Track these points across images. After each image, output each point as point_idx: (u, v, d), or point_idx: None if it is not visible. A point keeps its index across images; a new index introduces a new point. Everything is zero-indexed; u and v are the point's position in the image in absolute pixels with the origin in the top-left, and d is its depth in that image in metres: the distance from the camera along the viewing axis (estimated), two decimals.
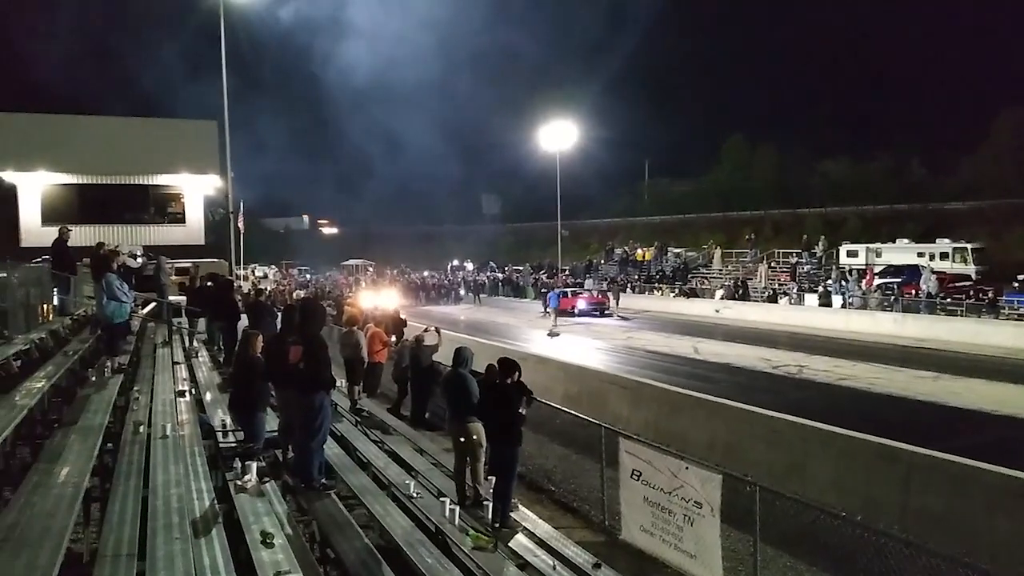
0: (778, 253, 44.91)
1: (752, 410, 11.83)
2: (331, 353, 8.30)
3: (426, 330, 14.21)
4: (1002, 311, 28.45)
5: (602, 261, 55.64)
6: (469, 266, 66.73)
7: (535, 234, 75.26)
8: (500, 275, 57.85)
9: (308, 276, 64.20)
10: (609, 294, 41.60)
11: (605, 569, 7.05)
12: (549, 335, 30.16)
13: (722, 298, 39.08)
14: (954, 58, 64.00)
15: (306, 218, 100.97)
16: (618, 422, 12.32)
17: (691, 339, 27.45)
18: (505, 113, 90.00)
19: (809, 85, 73.64)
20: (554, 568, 6.88)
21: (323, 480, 7.76)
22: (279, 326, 10.43)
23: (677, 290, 43.61)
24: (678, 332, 30.02)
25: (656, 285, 46.04)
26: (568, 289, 42.35)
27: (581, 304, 38.92)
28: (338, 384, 11.96)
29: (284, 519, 6.45)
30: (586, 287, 45.05)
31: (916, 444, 9.20)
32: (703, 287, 43.24)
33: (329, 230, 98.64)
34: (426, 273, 61.24)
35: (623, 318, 37.21)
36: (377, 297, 29.33)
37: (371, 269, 65.59)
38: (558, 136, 50.45)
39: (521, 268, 58.85)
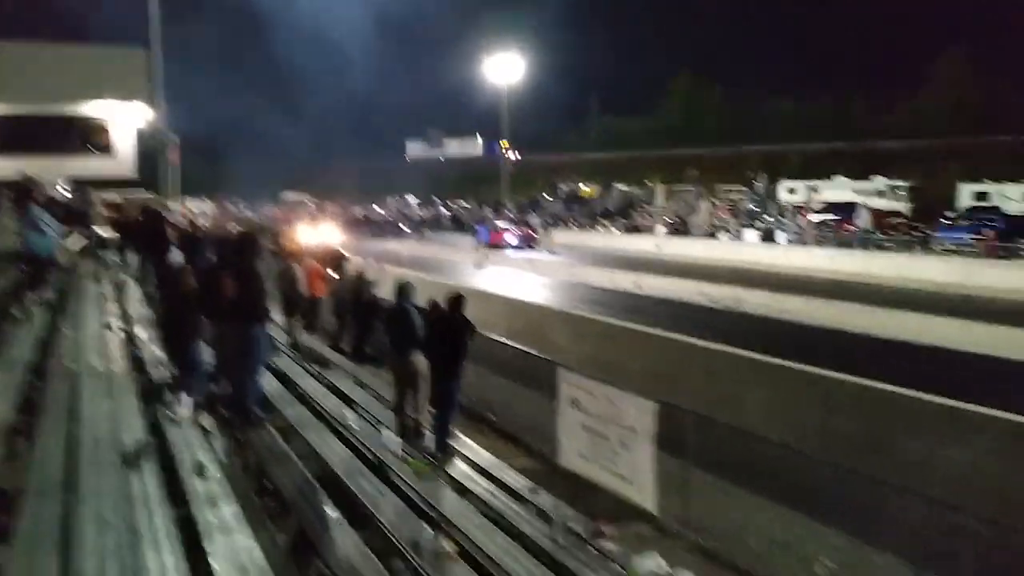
0: (720, 190, 45.49)
1: (690, 341, 12.13)
2: (269, 288, 8.14)
3: (367, 264, 14.05)
4: (933, 248, 29.51)
5: (548, 197, 55.57)
6: (412, 200, 65.91)
7: (481, 170, 74.50)
8: (444, 211, 57.36)
9: (246, 210, 62.54)
10: (540, 228, 42.69)
11: (543, 494, 7.22)
12: (476, 267, 31.24)
13: (664, 234, 39.58)
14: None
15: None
16: (559, 354, 12.49)
17: (633, 274, 27.78)
18: (450, 46, 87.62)
19: (758, 23, 73.60)
20: (493, 494, 7.02)
21: (259, 413, 7.69)
22: (214, 259, 10.15)
23: (620, 226, 43.98)
24: (620, 268, 30.34)
25: (600, 222, 46.33)
26: (498, 223, 43.18)
27: (510, 238, 40.17)
28: (276, 319, 11.81)
29: (219, 451, 6.39)
30: (531, 223, 45.43)
31: (844, 373, 9.56)
32: (646, 224, 43.66)
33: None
34: (374, 207, 60.36)
35: (552, 252, 38.21)
36: (316, 232, 28.81)
37: (311, 203, 64.19)
38: (504, 69, 49.62)
39: (468, 204, 58.43)
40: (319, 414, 8.68)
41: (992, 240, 27.39)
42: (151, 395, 7.80)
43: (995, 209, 31.16)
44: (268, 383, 8.99)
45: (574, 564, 5.69)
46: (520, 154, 66.64)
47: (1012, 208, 31.39)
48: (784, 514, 7.64)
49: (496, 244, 39.28)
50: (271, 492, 6.43)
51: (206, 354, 9.03)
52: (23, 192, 12.79)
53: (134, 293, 13.86)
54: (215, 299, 7.83)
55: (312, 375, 10.67)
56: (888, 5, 63.94)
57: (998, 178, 34.62)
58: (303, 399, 9.25)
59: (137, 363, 8.71)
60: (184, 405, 7.03)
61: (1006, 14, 51.06)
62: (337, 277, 15.85)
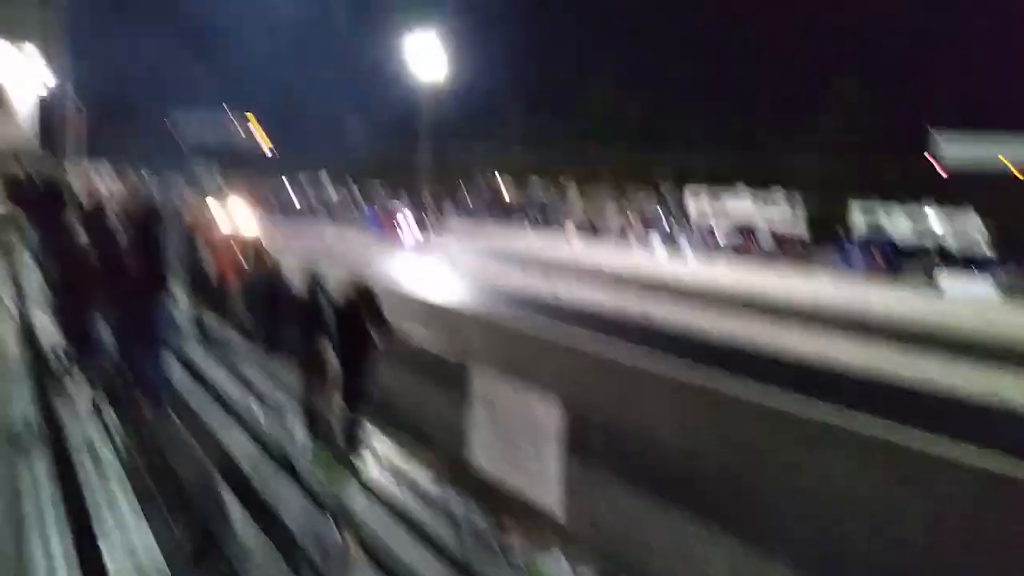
0: (631, 194, 46.40)
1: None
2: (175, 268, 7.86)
3: (292, 259, 13.53)
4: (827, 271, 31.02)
5: (467, 194, 55.77)
6: (326, 180, 64.05)
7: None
8: (359, 194, 56.61)
9: (154, 184, 59.36)
10: (425, 221, 42.94)
11: (449, 491, 7.24)
12: (365, 254, 31.18)
13: (576, 238, 40.02)
14: None
15: None
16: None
17: (552, 280, 27.83)
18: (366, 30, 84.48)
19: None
20: (399, 490, 7.01)
21: (160, 397, 7.40)
22: (116, 235, 9.65)
23: (535, 225, 44.48)
24: (538, 271, 30.51)
25: (515, 219, 46.94)
26: (398, 212, 43.07)
27: (406, 227, 40.17)
28: (181, 302, 11.38)
29: (116, 436, 6.14)
30: (438, 216, 46.31)
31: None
32: (558, 224, 44.13)
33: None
34: (286, 183, 58.45)
35: (452, 246, 38.09)
36: (229, 216, 27.30)
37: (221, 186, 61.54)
38: (427, 60, 48.73)
39: (382, 190, 57.60)
40: (224, 403, 8.44)
41: (881, 266, 29.02)
42: (43, 373, 7.44)
43: (885, 234, 33.02)
44: (170, 368, 8.67)
45: (477, 561, 5.75)
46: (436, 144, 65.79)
47: (899, 233, 33.27)
48: (682, 521, 7.94)
49: (387, 230, 39.13)
50: (171, 483, 6.22)
51: (104, 334, 8.65)
52: None
53: (31, 270, 13.09)
54: (117, 276, 7.51)
55: (218, 363, 10.33)
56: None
57: (884, 196, 36.53)
58: (208, 387, 8.96)
59: (31, 342, 8.26)
60: (79, 383, 6.71)
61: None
62: (251, 269, 15.23)
